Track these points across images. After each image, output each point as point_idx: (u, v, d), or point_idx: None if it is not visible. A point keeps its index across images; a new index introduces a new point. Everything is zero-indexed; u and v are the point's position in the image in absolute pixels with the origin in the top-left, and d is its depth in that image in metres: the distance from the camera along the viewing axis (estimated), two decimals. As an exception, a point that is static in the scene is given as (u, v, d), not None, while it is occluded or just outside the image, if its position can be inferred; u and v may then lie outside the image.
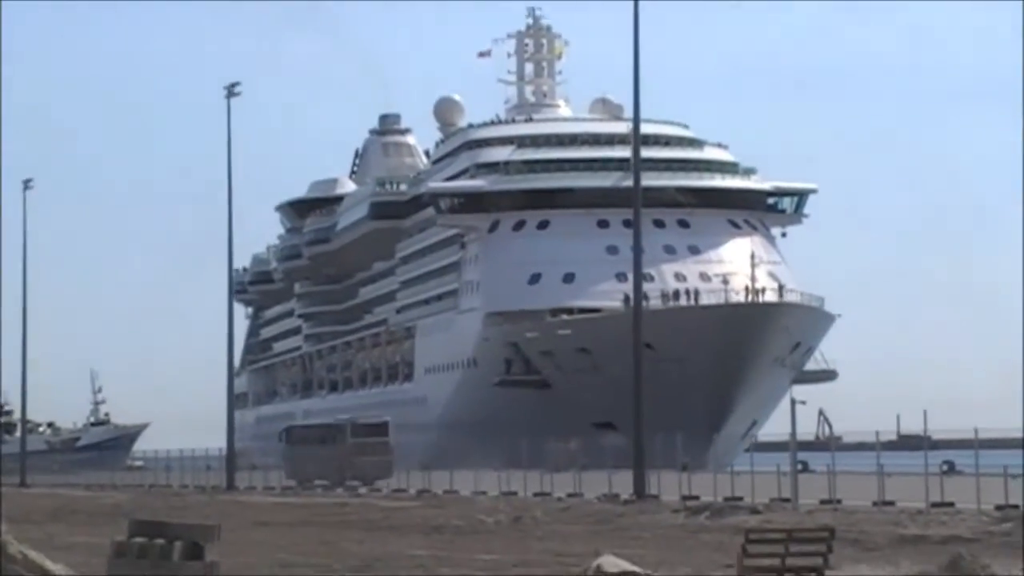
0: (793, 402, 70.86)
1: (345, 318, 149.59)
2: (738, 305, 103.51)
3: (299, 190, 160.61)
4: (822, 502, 50.55)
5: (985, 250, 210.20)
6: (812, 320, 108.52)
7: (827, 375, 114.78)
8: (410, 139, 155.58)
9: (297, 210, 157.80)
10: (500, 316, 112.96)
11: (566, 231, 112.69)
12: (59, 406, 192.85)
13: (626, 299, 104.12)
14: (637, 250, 67.56)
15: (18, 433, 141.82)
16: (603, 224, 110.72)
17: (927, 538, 37.97)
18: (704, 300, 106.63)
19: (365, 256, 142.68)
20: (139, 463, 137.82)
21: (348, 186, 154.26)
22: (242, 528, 44.34)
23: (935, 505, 47.25)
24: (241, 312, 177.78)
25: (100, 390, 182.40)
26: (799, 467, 57.23)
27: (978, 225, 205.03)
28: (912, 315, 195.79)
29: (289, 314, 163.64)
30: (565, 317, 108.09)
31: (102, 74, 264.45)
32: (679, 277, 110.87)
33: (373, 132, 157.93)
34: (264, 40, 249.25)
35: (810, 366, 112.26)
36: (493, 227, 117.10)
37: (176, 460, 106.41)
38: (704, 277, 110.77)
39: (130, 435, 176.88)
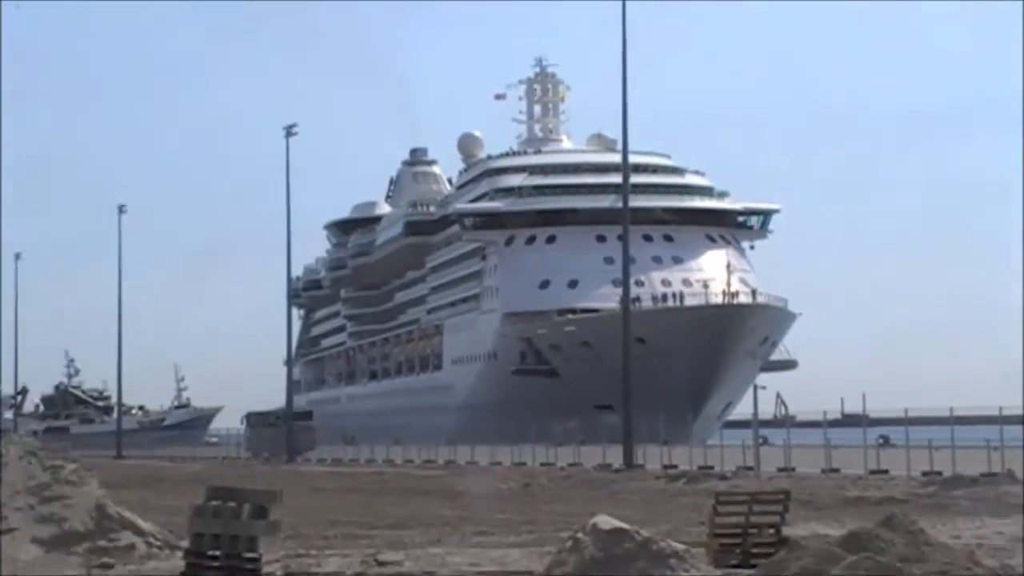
0: (755, 388, 70.83)
1: (382, 318, 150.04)
2: (717, 306, 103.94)
3: (342, 211, 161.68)
4: (779, 470, 50.50)
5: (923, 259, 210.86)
6: (777, 318, 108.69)
7: (789, 364, 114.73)
8: (436, 169, 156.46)
9: (342, 228, 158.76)
10: (515, 316, 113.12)
11: (570, 245, 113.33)
12: (148, 392, 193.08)
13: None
14: (625, 260, 67.62)
15: (115, 415, 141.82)
16: (601, 239, 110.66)
17: (866, 499, 37.92)
18: (688, 302, 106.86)
19: (399, 266, 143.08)
20: (214, 440, 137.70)
21: (384, 208, 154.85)
22: (300, 493, 44.31)
23: (872, 472, 47.20)
24: (295, 314, 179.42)
25: (183, 379, 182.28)
26: (760, 441, 57.22)
27: (923, 238, 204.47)
28: (859, 313, 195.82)
29: (335, 315, 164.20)
30: (570, 316, 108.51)
31: (184, 110, 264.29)
32: (665, 283, 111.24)
33: (405, 163, 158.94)
34: (317, 82, 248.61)
35: (775, 356, 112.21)
36: (509, 241, 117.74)
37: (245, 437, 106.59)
38: (686, 283, 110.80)
39: (207, 416, 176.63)
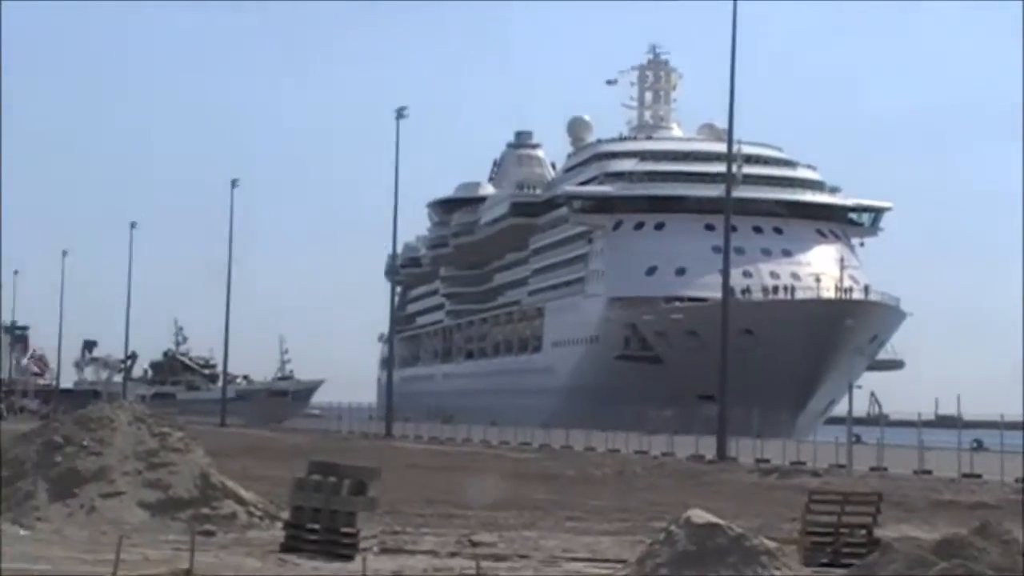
0: (850, 386, 70.24)
1: (482, 298, 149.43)
2: (829, 301, 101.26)
3: (444, 191, 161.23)
4: (872, 469, 50.06)
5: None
6: (888, 316, 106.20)
7: (895, 364, 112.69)
8: (540, 152, 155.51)
9: (444, 207, 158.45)
10: (621, 301, 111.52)
11: (679, 232, 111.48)
12: (254, 363, 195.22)
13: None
14: (727, 251, 66.72)
15: (220, 383, 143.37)
16: (710, 228, 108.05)
17: (958, 503, 37.48)
18: (799, 295, 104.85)
19: (502, 247, 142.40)
20: (316, 412, 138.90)
21: (488, 189, 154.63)
22: (397, 469, 44.52)
23: (965, 476, 46.67)
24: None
25: (287, 351, 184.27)
26: (854, 439, 56.77)
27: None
28: (966, 315, 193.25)
29: (433, 293, 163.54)
30: (677, 304, 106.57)
31: (302, 94, 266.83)
32: (774, 275, 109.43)
33: (510, 145, 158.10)
34: (425, 63, 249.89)
35: (881, 356, 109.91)
36: (617, 226, 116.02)
37: (345, 411, 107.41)
38: (795, 276, 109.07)
39: (309, 388, 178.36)
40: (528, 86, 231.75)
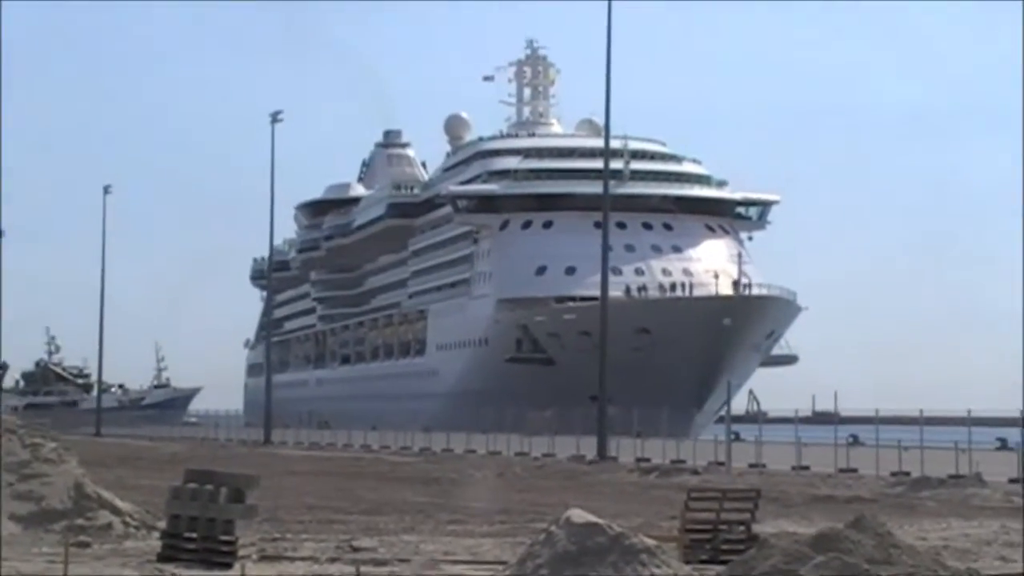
0: (728, 384, 70.96)
1: (356, 301, 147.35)
2: (728, 297, 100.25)
3: (312, 194, 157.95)
4: (751, 466, 50.59)
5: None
6: (785, 311, 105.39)
7: (789, 359, 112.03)
8: (410, 151, 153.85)
9: (314, 210, 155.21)
10: (510, 302, 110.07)
11: (567, 230, 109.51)
12: (129, 371, 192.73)
13: (627, 290, 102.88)
14: (605, 250, 67.07)
15: (95, 393, 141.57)
16: (599, 225, 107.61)
17: (835, 498, 37.97)
18: (697, 293, 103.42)
19: (378, 249, 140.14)
20: (194, 420, 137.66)
21: (359, 190, 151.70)
22: (276, 476, 44.23)
23: (842, 471, 47.34)
24: (257, 296, 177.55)
25: (163, 359, 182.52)
26: (732, 437, 57.33)
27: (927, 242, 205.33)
28: (852, 310, 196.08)
29: (303, 296, 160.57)
30: (570, 304, 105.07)
31: (165, 98, 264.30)
32: (666, 272, 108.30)
33: (378, 145, 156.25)
34: (287, 69, 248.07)
35: (775, 351, 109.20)
36: (503, 226, 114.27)
37: (223, 418, 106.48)
38: (687, 272, 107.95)
39: (186, 396, 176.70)
40: (393, 83, 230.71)
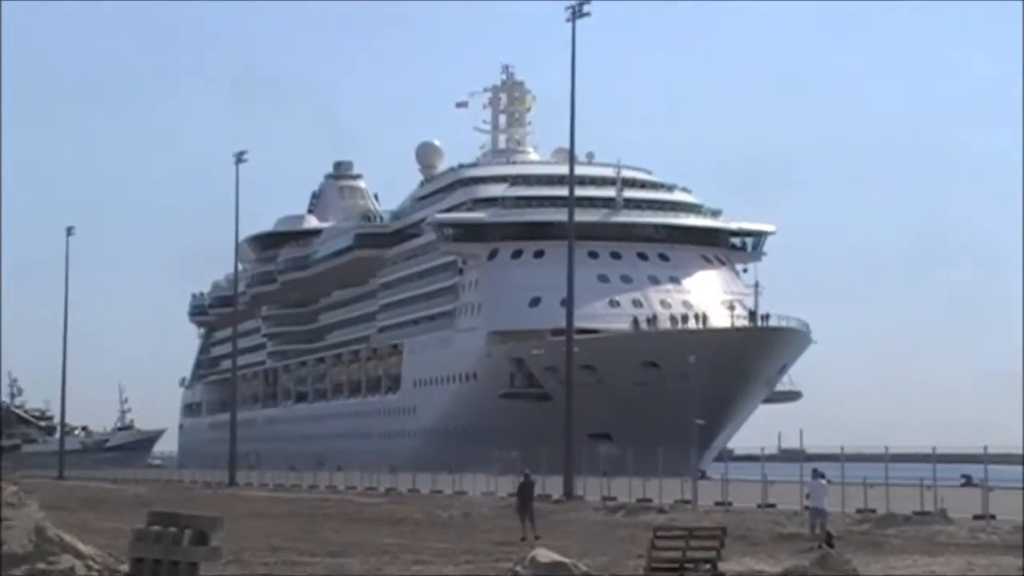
0: (695, 424, 70.70)
1: (311, 337, 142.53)
2: (745, 329, 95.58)
3: (260, 226, 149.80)
4: (717, 504, 50.54)
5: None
6: (799, 344, 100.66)
7: (793, 395, 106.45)
8: (361, 183, 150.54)
9: (265, 242, 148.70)
10: (502, 335, 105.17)
11: (559, 260, 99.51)
12: (92, 413, 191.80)
13: (634, 322, 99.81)
14: (570, 280, 66.62)
15: (57, 435, 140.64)
16: (593, 255, 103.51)
17: (801, 535, 37.94)
18: (700, 325, 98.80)
19: (338, 283, 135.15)
20: (157, 462, 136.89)
21: (313, 222, 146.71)
22: (241, 518, 43.99)
23: (807, 508, 47.25)
24: (195, 333, 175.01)
25: (126, 400, 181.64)
26: (699, 474, 57.25)
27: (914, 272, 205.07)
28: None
29: (251, 332, 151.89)
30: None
31: (125, 137, 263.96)
32: (664, 304, 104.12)
33: (329, 176, 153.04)
34: (229, 102, 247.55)
35: (778, 387, 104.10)
36: (492, 255, 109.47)
37: (186, 459, 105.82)
38: (687, 304, 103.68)
39: (150, 438, 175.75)
40: (342, 115, 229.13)
